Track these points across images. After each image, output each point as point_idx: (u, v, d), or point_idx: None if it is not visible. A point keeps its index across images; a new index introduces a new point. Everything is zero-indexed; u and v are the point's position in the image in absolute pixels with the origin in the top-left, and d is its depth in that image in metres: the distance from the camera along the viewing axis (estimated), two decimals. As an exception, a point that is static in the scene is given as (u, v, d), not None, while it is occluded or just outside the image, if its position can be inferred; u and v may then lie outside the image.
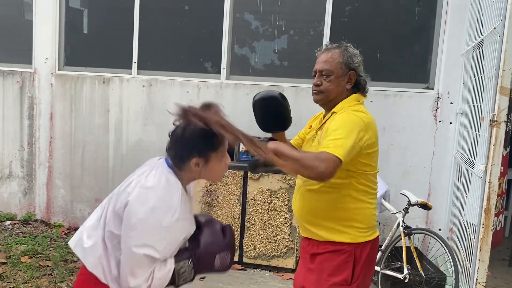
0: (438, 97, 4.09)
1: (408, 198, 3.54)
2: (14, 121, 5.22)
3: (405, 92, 4.18)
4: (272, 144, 1.76)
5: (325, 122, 1.98)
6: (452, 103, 4.06)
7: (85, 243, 1.62)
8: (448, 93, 4.07)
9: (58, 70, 5.09)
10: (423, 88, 4.19)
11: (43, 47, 5.08)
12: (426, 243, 4.05)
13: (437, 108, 4.10)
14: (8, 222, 5.15)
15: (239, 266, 4.09)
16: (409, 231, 3.43)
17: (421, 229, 3.64)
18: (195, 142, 1.56)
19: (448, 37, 4.03)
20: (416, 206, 3.52)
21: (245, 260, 4.10)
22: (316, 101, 2.03)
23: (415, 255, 3.34)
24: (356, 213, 1.91)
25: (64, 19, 5.10)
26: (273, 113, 2.00)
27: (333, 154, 1.70)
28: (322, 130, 1.95)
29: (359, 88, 2.00)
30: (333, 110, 1.97)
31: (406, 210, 3.55)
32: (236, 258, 4.13)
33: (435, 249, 3.61)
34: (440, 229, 4.06)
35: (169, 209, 1.50)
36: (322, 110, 2.12)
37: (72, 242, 1.69)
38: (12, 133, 5.24)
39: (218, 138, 1.57)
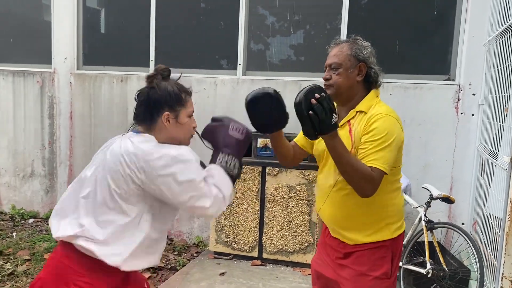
0: (459, 89, 4.01)
1: (430, 192, 3.48)
2: (35, 120, 5.31)
3: (426, 84, 4.10)
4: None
5: (349, 121, 1.91)
6: (474, 94, 3.97)
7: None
8: (470, 84, 3.97)
9: (77, 69, 5.15)
10: (444, 80, 4.11)
11: (62, 47, 5.15)
12: (449, 237, 3.98)
13: (459, 100, 4.02)
14: (31, 220, 5.24)
15: (258, 262, 4.09)
16: (431, 226, 3.37)
17: (443, 223, 3.57)
18: (166, 98, 1.68)
19: (469, 27, 3.93)
20: (438, 200, 3.45)
21: (264, 255, 4.09)
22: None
23: (438, 249, 3.28)
24: (391, 210, 1.92)
25: (82, 19, 5.16)
26: (270, 111, 1.85)
27: (381, 170, 1.72)
28: (352, 129, 1.88)
29: (370, 81, 1.96)
30: (359, 108, 1.90)
31: (428, 204, 3.49)
32: (255, 254, 4.12)
33: (458, 243, 3.54)
34: (463, 223, 3.98)
35: (173, 146, 1.67)
36: None
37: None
38: (33, 133, 5.33)
39: (186, 95, 1.73)
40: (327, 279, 2.03)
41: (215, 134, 1.78)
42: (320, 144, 2.00)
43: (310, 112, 1.63)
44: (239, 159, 1.79)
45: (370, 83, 1.97)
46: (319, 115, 1.63)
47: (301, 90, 1.70)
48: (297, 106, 1.67)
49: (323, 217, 2.02)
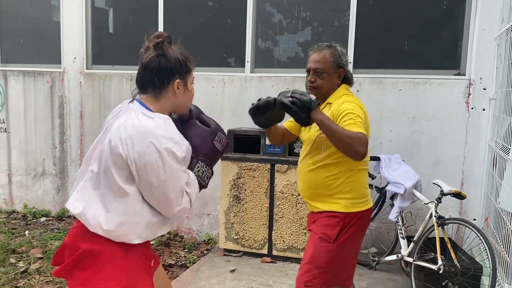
0: (470, 83, 3.97)
1: (441, 188, 3.45)
2: (46, 120, 5.36)
3: (435, 79, 4.07)
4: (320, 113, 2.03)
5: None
6: (485, 89, 3.93)
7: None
8: (480, 78, 3.93)
9: (86, 69, 5.19)
10: (454, 75, 4.07)
11: (71, 47, 5.19)
12: (460, 233, 3.95)
13: (469, 94, 3.98)
14: (43, 219, 5.30)
15: (268, 259, 4.09)
16: (442, 221, 3.34)
17: (455, 219, 3.54)
18: (177, 65, 1.69)
19: (480, 21, 3.89)
20: (449, 195, 3.42)
21: (274, 253, 4.09)
22: (312, 94, 2.31)
23: (449, 245, 3.25)
24: (351, 187, 2.22)
25: (90, 19, 5.19)
26: (269, 114, 2.22)
27: (366, 136, 1.98)
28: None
29: (347, 82, 2.33)
30: (328, 101, 2.26)
31: (438, 200, 3.46)
32: (265, 251, 4.13)
33: (470, 239, 3.51)
34: (474, 219, 3.95)
35: (179, 144, 1.63)
36: None
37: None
38: (44, 132, 5.38)
39: (191, 61, 1.75)
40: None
41: (201, 137, 1.77)
42: (304, 134, 2.37)
43: (293, 105, 1.98)
44: (212, 169, 1.82)
45: (347, 83, 2.34)
46: (299, 99, 1.97)
47: (278, 101, 2.07)
48: (281, 105, 2.03)
49: (300, 193, 2.42)
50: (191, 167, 1.72)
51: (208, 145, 1.76)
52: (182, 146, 1.64)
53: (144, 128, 1.59)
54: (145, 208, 1.67)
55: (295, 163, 3.96)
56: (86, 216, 1.65)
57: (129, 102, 1.74)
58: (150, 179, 1.59)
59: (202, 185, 1.77)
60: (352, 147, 1.94)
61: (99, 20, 5.32)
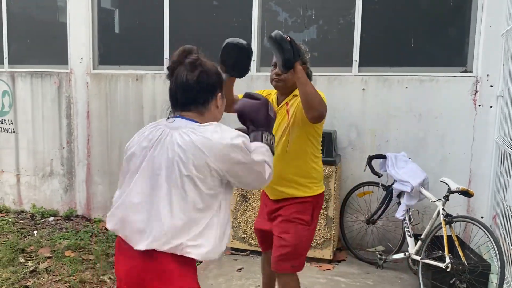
0: (477, 81, 3.95)
1: (448, 186, 3.44)
2: (53, 120, 5.40)
3: (442, 76, 4.05)
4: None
5: (287, 103, 2.46)
6: (492, 86, 3.90)
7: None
8: (487, 76, 3.91)
9: (93, 69, 5.22)
10: (461, 72, 4.05)
11: (77, 47, 5.22)
12: (468, 231, 3.94)
13: (476, 92, 3.95)
14: (51, 218, 5.34)
15: (275, 258, 4.09)
16: (450, 219, 3.33)
17: (462, 216, 3.53)
18: (217, 78, 1.71)
19: (487, 17, 3.87)
20: (456, 193, 3.41)
21: (281, 251, 4.09)
22: (276, 88, 2.51)
23: (457, 243, 3.24)
24: (314, 173, 2.48)
25: (97, 20, 5.22)
26: (245, 60, 2.25)
27: (326, 107, 2.30)
28: (289, 108, 2.43)
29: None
30: (294, 93, 2.44)
31: (446, 198, 3.45)
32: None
33: (477, 237, 3.49)
34: (482, 217, 3.93)
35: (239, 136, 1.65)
36: (272, 89, 2.61)
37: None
38: (51, 133, 5.42)
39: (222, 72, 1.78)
40: (264, 231, 2.63)
41: (257, 112, 1.88)
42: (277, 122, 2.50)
43: (288, 40, 2.15)
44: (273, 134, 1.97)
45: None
46: (295, 43, 2.19)
47: (277, 34, 2.21)
48: (276, 40, 2.17)
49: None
50: (257, 139, 1.83)
51: (263, 116, 1.88)
52: (242, 136, 1.65)
53: (211, 139, 1.58)
54: None
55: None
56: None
57: (168, 122, 1.68)
58: (241, 174, 1.66)
59: (272, 151, 1.87)
60: (316, 104, 2.19)
61: (106, 21, 5.35)
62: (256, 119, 1.87)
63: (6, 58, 5.55)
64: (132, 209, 1.62)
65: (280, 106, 2.48)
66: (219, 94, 1.72)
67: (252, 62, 4.56)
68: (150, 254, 1.57)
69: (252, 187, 1.80)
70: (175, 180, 1.57)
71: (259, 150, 1.73)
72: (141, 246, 1.57)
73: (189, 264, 1.62)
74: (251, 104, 1.90)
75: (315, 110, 2.21)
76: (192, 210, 1.57)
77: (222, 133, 1.60)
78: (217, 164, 1.58)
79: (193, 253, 1.57)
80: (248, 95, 1.96)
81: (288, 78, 2.41)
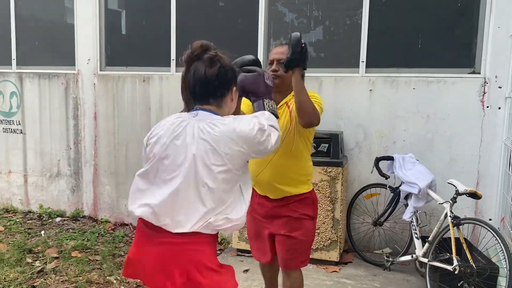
0: (485, 82, 3.92)
1: (456, 187, 3.41)
2: (61, 121, 5.42)
3: (449, 78, 4.02)
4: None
5: (287, 103, 2.49)
6: (500, 87, 3.87)
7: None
8: (496, 77, 3.88)
9: (100, 70, 5.24)
10: (469, 73, 4.02)
11: (85, 49, 5.25)
12: (476, 233, 3.90)
13: (484, 93, 3.92)
14: (58, 219, 5.37)
15: (282, 259, 4.08)
16: (457, 221, 3.31)
17: (470, 219, 3.50)
18: (233, 74, 1.84)
19: (495, 18, 3.84)
20: (464, 195, 3.39)
21: (288, 253, 4.08)
22: (275, 84, 2.43)
23: (464, 246, 3.21)
24: (308, 169, 2.59)
25: (104, 21, 5.24)
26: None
27: (319, 118, 2.38)
28: (290, 108, 2.46)
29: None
30: (293, 93, 2.44)
31: (454, 200, 3.43)
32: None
33: (486, 239, 3.46)
34: (490, 219, 3.90)
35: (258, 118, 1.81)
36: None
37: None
38: (59, 133, 5.45)
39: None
40: (262, 241, 2.66)
41: (256, 83, 2.02)
42: None
43: (302, 45, 2.20)
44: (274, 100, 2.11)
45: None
46: (307, 51, 2.25)
47: (295, 36, 2.23)
48: (294, 40, 2.21)
49: (262, 180, 2.53)
50: (260, 107, 1.98)
51: (263, 85, 2.02)
52: (255, 117, 1.80)
53: (237, 128, 1.72)
54: None
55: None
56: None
57: (191, 114, 1.80)
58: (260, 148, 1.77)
59: (276, 115, 1.98)
60: (307, 113, 2.29)
61: (112, 22, 5.37)
62: (256, 90, 2.02)
63: (14, 59, 5.59)
64: (164, 203, 1.72)
65: (279, 105, 2.49)
66: (234, 88, 1.85)
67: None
68: (183, 237, 1.71)
69: (264, 153, 1.87)
70: (203, 168, 1.69)
71: (265, 117, 1.83)
72: (178, 230, 1.70)
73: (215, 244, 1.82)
74: (250, 77, 2.02)
75: (307, 118, 2.32)
76: (221, 192, 1.72)
77: (243, 122, 1.74)
78: (246, 148, 1.72)
79: (224, 226, 1.74)
80: (245, 70, 2.06)
81: (284, 75, 2.42)
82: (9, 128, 5.67)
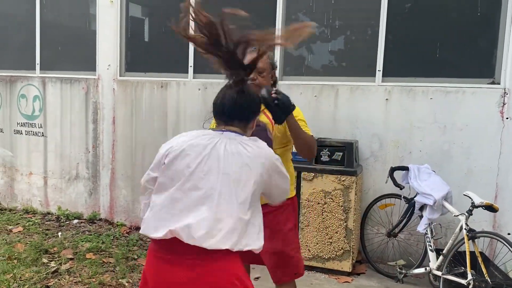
0: (505, 92, 3.83)
1: (472, 200, 3.34)
2: (80, 125, 5.54)
3: (468, 88, 3.96)
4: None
5: (263, 110, 2.41)
6: (520, 98, 3.79)
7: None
8: (516, 87, 3.80)
9: (120, 76, 5.33)
10: (488, 84, 3.95)
11: (105, 54, 5.36)
12: (493, 248, 3.81)
13: (504, 104, 3.84)
14: (76, 221, 5.46)
15: (293, 268, 4.05)
16: (473, 235, 3.24)
17: (486, 232, 3.42)
18: (259, 104, 1.95)
19: (515, 28, 3.77)
20: (480, 208, 3.31)
21: (299, 261, 4.05)
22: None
23: (480, 259, 3.14)
24: (291, 175, 2.52)
25: (124, 28, 5.35)
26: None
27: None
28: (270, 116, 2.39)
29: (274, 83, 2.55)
30: None
31: (469, 212, 3.36)
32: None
33: (502, 254, 3.38)
34: (509, 233, 3.79)
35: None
36: None
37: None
38: (78, 137, 5.56)
39: None
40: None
41: (259, 136, 2.00)
42: None
43: (276, 101, 2.11)
44: None
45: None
46: (283, 101, 2.12)
47: (263, 97, 2.13)
48: (265, 100, 2.10)
49: None
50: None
51: (265, 139, 2.02)
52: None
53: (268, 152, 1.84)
54: None
55: (322, 171, 3.94)
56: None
57: (221, 132, 1.83)
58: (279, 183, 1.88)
59: None
60: (312, 150, 2.34)
61: (133, 29, 5.47)
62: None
63: (38, 64, 5.74)
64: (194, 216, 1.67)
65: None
66: (257, 115, 1.96)
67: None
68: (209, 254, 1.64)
69: (273, 199, 1.96)
70: (232, 184, 1.71)
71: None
72: (207, 244, 1.62)
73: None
74: (254, 131, 2.04)
75: (311, 155, 2.38)
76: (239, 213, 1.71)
77: (268, 148, 1.85)
78: (267, 173, 1.78)
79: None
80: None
81: (263, 82, 2.41)
82: (31, 131, 5.81)
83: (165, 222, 1.67)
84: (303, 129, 2.34)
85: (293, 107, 2.19)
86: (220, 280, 1.65)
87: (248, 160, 1.73)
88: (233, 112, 1.86)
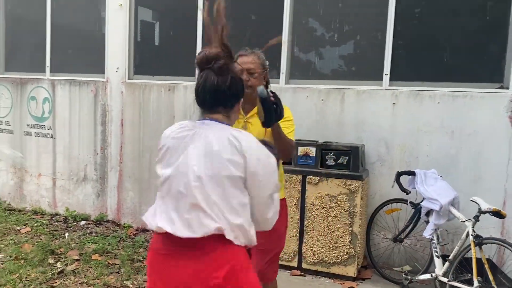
0: (513, 97, 3.79)
1: (479, 205, 3.30)
2: (89, 127, 5.58)
3: (476, 92, 3.91)
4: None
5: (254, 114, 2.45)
6: (530, 103, 3.74)
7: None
8: (525, 92, 3.75)
9: (128, 79, 5.37)
10: (497, 88, 3.90)
11: (114, 57, 5.40)
12: (501, 254, 3.75)
13: (513, 109, 3.79)
14: (83, 222, 5.49)
15: (298, 272, 4.04)
16: (479, 241, 3.19)
17: (493, 239, 3.37)
18: (241, 85, 1.82)
19: (525, 32, 3.72)
20: (488, 214, 3.27)
21: (304, 266, 4.04)
22: (246, 94, 2.33)
23: (486, 266, 3.10)
24: (280, 175, 2.49)
25: (133, 31, 5.39)
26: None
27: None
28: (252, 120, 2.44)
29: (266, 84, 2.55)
30: None
31: (476, 218, 3.31)
32: (295, 264, 4.08)
33: (511, 261, 3.32)
34: (517, 240, 3.74)
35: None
36: None
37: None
38: (87, 139, 5.60)
39: None
40: None
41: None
42: None
43: (274, 106, 2.11)
44: None
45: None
46: (280, 108, 2.15)
47: (261, 91, 2.13)
48: (264, 102, 2.10)
49: None
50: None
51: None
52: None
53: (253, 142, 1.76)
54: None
55: (327, 175, 3.92)
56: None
57: (200, 121, 1.79)
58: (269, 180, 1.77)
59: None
60: (290, 154, 2.45)
61: (143, 32, 5.51)
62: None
63: (48, 66, 5.81)
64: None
65: (250, 115, 2.48)
66: (242, 99, 1.85)
67: (281, 75, 4.59)
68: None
69: (256, 216, 1.79)
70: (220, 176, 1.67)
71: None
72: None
73: None
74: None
75: (288, 158, 2.47)
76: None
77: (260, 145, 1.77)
78: (253, 168, 1.69)
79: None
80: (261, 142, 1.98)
81: (255, 83, 2.40)
82: (41, 132, 5.88)
83: None
84: (289, 128, 2.40)
85: (283, 113, 2.21)
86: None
87: (234, 154, 1.67)
88: (215, 99, 1.77)
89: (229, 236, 1.64)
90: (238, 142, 1.68)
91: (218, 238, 1.63)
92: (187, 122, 1.83)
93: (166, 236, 1.70)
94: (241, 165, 1.67)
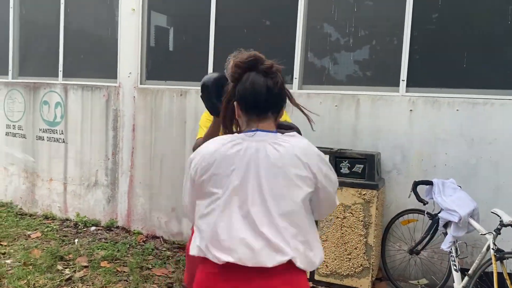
0: (537, 105, 3.64)
1: (500, 218, 3.15)
2: (101, 132, 5.56)
3: (497, 99, 3.77)
4: None
5: None
6: (554, 111, 3.58)
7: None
8: (549, 100, 3.60)
9: (140, 84, 5.34)
10: (519, 95, 3.76)
11: (127, 62, 5.38)
12: (523, 269, 3.59)
13: (536, 117, 3.64)
14: (93, 228, 5.45)
15: (310, 284, 3.92)
16: (501, 255, 3.05)
17: (516, 253, 3.22)
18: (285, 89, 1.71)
19: (549, 37, 3.58)
20: (510, 226, 3.12)
21: (316, 277, 3.92)
22: None
23: (508, 282, 2.95)
24: None
25: (146, 36, 5.36)
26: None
27: None
28: None
29: None
30: None
31: (497, 231, 3.17)
32: (307, 275, 3.95)
33: (534, 277, 3.17)
34: (541, 255, 3.57)
35: None
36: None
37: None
38: (98, 144, 5.58)
39: None
40: None
41: None
42: None
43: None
44: None
45: None
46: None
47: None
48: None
49: None
50: None
51: None
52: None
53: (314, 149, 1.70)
54: None
55: (342, 184, 3.80)
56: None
57: (251, 133, 1.66)
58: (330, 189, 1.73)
59: None
60: None
61: (156, 38, 5.49)
62: None
63: (60, 71, 5.81)
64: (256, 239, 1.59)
65: None
66: (285, 104, 1.76)
67: (294, 80, 4.50)
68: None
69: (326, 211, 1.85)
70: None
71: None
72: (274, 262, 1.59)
73: None
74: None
75: None
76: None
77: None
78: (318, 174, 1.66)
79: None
80: (279, 126, 1.82)
81: None
82: (53, 137, 5.87)
83: None
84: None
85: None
86: None
87: (302, 168, 1.62)
88: (268, 102, 1.66)
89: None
90: (303, 153, 1.63)
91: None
92: (234, 137, 1.68)
93: (229, 265, 1.60)
94: (309, 178, 1.63)
